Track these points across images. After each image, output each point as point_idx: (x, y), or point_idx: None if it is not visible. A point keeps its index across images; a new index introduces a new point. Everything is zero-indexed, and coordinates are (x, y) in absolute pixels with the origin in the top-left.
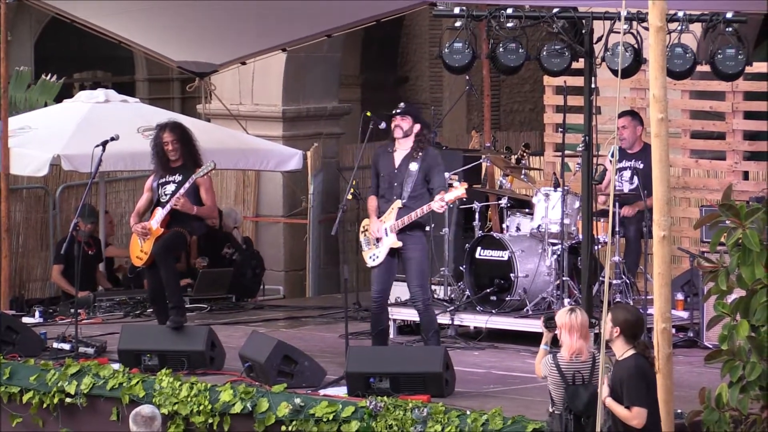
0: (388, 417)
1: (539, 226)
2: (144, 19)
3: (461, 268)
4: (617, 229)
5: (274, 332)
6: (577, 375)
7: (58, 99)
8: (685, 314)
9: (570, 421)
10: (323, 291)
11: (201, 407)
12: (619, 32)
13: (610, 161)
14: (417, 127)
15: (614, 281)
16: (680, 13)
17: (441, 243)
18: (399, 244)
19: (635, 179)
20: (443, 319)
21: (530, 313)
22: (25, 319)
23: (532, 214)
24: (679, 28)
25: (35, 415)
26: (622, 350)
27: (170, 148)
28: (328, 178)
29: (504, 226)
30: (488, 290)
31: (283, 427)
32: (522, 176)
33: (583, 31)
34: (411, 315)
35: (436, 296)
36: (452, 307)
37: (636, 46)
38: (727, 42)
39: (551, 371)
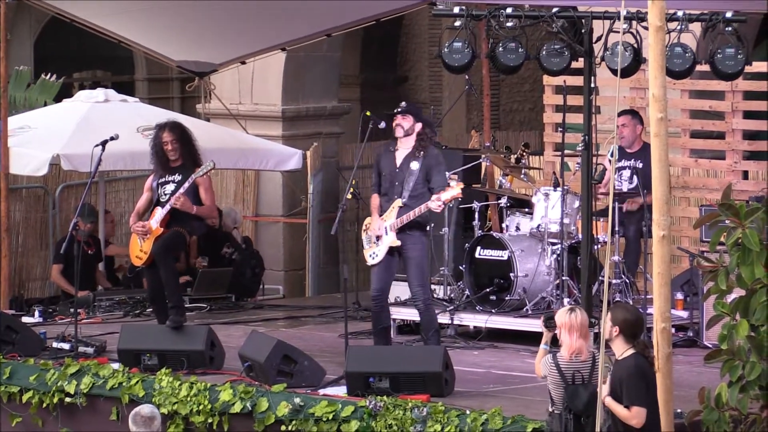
0: (387, 417)
1: (539, 225)
2: (144, 18)
3: (461, 267)
4: (617, 228)
5: (273, 332)
6: (577, 374)
7: (58, 98)
8: (684, 314)
9: (570, 420)
10: (323, 290)
11: (200, 407)
12: (618, 32)
13: (610, 160)
14: (418, 126)
15: (614, 281)
16: (680, 13)
17: (441, 242)
18: (398, 243)
19: (635, 178)
20: (443, 318)
21: (530, 312)
22: (25, 319)
23: (531, 213)
24: (678, 27)
25: (35, 414)
26: (622, 350)
27: (170, 148)
28: (328, 178)
29: (504, 225)
30: (488, 290)
31: (283, 427)
32: (522, 176)
33: (583, 31)
34: (411, 315)
35: (435, 296)
36: (452, 307)
37: (635, 45)
38: (727, 41)
39: (551, 371)
